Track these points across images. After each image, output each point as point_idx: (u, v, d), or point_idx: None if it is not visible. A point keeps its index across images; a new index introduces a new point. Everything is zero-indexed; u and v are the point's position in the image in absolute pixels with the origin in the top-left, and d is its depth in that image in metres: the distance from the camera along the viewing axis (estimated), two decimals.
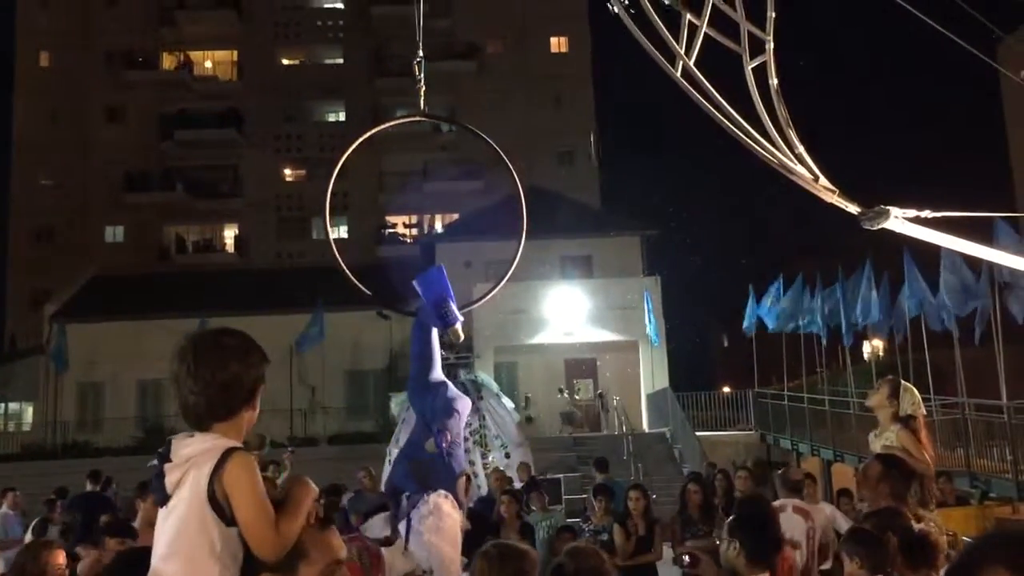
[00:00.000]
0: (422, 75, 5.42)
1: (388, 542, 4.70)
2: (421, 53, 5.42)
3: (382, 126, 5.61)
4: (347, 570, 2.77)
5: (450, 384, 5.53)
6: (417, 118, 5.72)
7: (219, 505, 2.53)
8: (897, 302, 20.72)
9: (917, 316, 19.86)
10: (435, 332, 5.44)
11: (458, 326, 5.41)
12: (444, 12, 46.40)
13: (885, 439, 6.07)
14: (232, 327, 2.88)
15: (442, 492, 5.20)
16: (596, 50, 48.62)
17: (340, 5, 50.26)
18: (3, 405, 34.48)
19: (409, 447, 5.72)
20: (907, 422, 6.04)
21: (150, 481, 2.74)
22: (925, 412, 6.35)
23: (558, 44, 48.99)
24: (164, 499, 2.59)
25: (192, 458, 2.56)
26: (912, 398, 6.17)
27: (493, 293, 6.03)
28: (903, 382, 6.40)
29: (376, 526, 5.70)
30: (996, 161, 45.38)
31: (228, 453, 2.56)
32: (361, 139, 5.48)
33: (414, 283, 5.52)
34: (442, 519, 5.07)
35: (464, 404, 5.58)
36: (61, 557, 4.77)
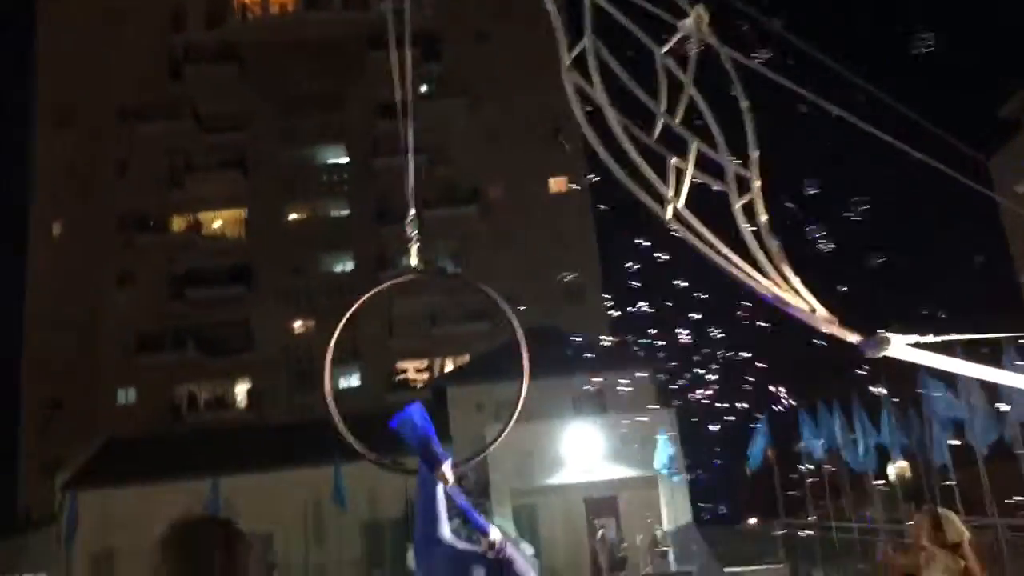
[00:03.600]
0: (415, 232, 5.47)
1: None
2: (413, 210, 5.49)
3: (374, 290, 5.62)
4: None
5: (455, 543, 5.31)
6: (411, 276, 5.74)
7: None
8: (914, 423, 20.43)
9: (940, 437, 19.51)
10: (440, 486, 5.27)
11: (444, 468, 5.22)
12: (443, 160, 47.71)
13: (940, 569, 5.87)
14: (220, 517, 2.83)
15: None
16: (595, 186, 49.64)
17: (344, 160, 51.70)
18: None
19: None
20: (956, 549, 5.88)
21: None
22: (970, 536, 6.17)
23: (557, 184, 50.08)
24: None
25: None
26: (955, 526, 6.02)
27: (490, 449, 5.94)
28: (941, 511, 6.22)
29: None
30: (1002, 280, 45.30)
31: None
32: (353, 308, 5.50)
33: (392, 425, 5.37)
34: None
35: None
36: None
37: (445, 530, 5.27)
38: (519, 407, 5.33)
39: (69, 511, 29.66)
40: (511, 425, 5.36)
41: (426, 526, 5.26)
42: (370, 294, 5.43)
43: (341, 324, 5.38)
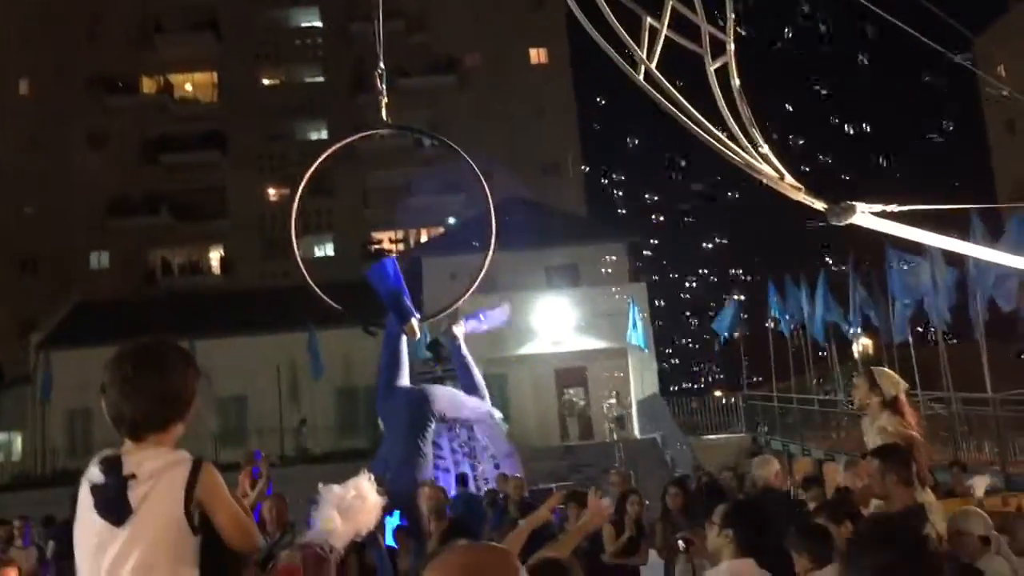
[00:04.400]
0: (383, 86, 5.42)
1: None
2: (382, 65, 5.42)
3: (344, 141, 5.61)
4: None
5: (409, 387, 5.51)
6: (381, 131, 5.72)
7: (191, 515, 2.56)
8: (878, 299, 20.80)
9: (902, 314, 19.92)
10: (404, 341, 5.42)
11: (414, 322, 5.38)
12: (420, 27, 46.51)
13: (877, 429, 6.09)
14: (166, 339, 2.84)
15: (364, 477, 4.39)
16: (575, 59, 48.78)
17: (318, 24, 50.33)
18: None
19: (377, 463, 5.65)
20: (892, 405, 6.07)
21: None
22: (907, 386, 6.37)
23: (537, 55, 49.11)
24: (125, 515, 2.55)
25: (156, 472, 2.57)
26: (890, 379, 6.20)
27: (460, 303, 6.05)
28: (875, 368, 6.44)
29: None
30: (976, 157, 45.62)
31: (198, 464, 2.60)
32: (324, 155, 5.50)
33: (367, 275, 5.50)
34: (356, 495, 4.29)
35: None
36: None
37: (404, 379, 5.47)
38: (487, 262, 5.42)
39: (44, 371, 29.92)
40: (478, 282, 5.45)
41: (388, 375, 5.46)
42: (340, 144, 5.41)
43: (313, 168, 5.38)
